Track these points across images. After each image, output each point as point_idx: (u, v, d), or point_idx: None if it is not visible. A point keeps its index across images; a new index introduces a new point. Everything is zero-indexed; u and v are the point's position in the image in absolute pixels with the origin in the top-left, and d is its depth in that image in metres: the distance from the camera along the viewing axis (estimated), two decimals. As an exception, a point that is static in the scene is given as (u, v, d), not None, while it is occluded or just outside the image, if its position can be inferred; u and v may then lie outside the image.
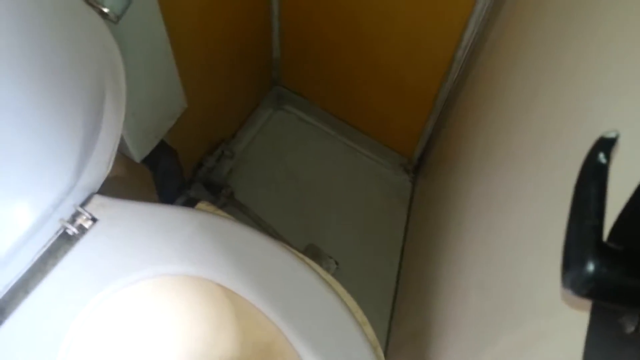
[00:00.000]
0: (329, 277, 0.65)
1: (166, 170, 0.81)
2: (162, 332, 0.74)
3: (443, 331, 0.65)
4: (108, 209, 0.67)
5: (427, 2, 0.85)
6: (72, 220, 0.65)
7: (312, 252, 1.16)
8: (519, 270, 0.44)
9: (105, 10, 0.51)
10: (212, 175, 1.20)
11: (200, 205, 0.71)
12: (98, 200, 0.67)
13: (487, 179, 0.62)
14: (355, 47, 1.04)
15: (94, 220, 0.66)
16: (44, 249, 0.64)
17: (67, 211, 0.65)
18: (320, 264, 0.97)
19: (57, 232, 0.65)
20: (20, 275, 0.63)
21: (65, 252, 0.65)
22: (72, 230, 0.65)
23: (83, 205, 0.66)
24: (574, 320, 0.31)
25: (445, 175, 0.92)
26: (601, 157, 0.23)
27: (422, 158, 1.21)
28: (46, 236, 0.64)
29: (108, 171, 0.63)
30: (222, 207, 1.20)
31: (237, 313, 0.69)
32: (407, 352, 0.86)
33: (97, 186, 0.66)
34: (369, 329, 0.62)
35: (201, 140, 1.12)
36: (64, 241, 0.66)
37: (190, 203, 0.87)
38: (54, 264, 0.64)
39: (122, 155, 0.75)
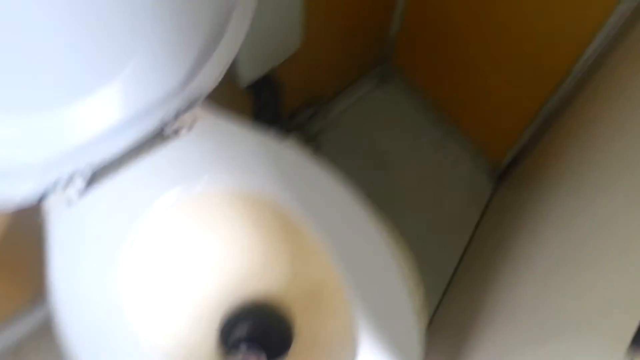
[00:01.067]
0: (397, 237, 0.66)
1: (267, 103, 0.84)
2: (215, 252, 0.78)
3: (485, 329, 0.64)
4: (205, 121, 0.70)
5: (560, 8, 0.83)
6: (171, 122, 0.70)
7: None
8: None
9: None
10: (302, 129, 1.23)
11: (289, 141, 0.73)
12: (198, 111, 0.71)
13: (579, 202, 0.60)
14: (479, 36, 1.02)
15: (189, 128, 0.70)
16: (139, 139, 0.69)
17: (169, 112, 0.69)
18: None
19: (155, 128, 0.70)
20: (112, 154, 0.68)
21: (155, 149, 0.69)
22: (168, 131, 0.70)
23: (184, 111, 0.70)
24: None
25: (532, 189, 0.90)
26: None
27: (509, 167, 1.17)
28: (144, 128, 0.69)
29: (216, 84, 0.66)
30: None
31: (294, 249, 0.72)
32: (446, 337, 0.85)
33: (201, 97, 0.70)
34: (419, 294, 0.63)
35: (302, 89, 1.15)
36: (158, 139, 0.71)
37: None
38: (142, 157, 0.68)
39: (227, 78, 0.78)
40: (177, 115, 0.70)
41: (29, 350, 1.02)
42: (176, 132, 0.70)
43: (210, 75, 0.66)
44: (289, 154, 0.69)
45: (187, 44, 0.63)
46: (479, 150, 1.24)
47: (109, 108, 0.64)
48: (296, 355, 0.78)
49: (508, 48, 0.97)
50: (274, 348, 1.00)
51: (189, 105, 0.70)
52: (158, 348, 0.67)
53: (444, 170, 1.29)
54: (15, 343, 1.02)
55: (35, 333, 1.03)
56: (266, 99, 0.84)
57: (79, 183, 0.66)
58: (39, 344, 1.03)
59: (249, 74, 0.75)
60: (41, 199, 0.65)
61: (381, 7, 1.11)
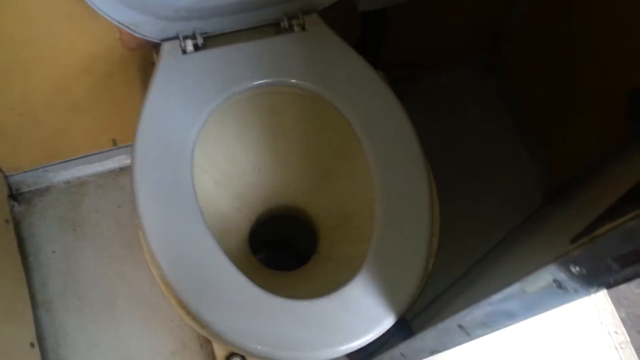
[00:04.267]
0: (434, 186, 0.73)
1: (372, 39, 0.91)
2: (269, 150, 0.87)
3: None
4: (318, 28, 0.78)
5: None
6: (289, 18, 0.78)
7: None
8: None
9: None
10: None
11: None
12: (315, 18, 0.79)
13: None
14: (591, 55, 1.03)
15: (303, 28, 0.78)
16: (256, 22, 0.78)
17: (291, 9, 0.78)
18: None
19: (274, 18, 0.78)
20: (231, 27, 0.77)
21: (267, 37, 0.78)
22: (284, 24, 0.78)
23: (304, 12, 0.78)
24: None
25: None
26: None
27: (566, 187, 1.20)
28: (266, 15, 0.78)
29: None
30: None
31: (344, 171, 0.80)
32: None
33: (322, 5, 0.78)
34: (435, 241, 0.70)
35: (408, 45, 1.18)
36: (272, 29, 0.79)
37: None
38: (254, 39, 0.78)
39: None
40: (297, 14, 0.78)
41: (93, 188, 1.16)
42: (288, 29, 0.79)
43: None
44: (378, 83, 0.76)
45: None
46: (545, 160, 1.27)
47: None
48: (310, 267, 0.87)
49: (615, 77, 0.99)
50: (292, 256, 1.10)
51: (310, 9, 0.78)
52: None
53: (504, 168, 1.32)
54: (81, 178, 1.16)
55: (103, 174, 1.17)
56: (373, 34, 0.91)
57: (198, 40, 0.76)
58: (103, 185, 1.17)
59: (369, 2, 0.82)
60: (164, 40, 0.75)
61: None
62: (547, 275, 0.37)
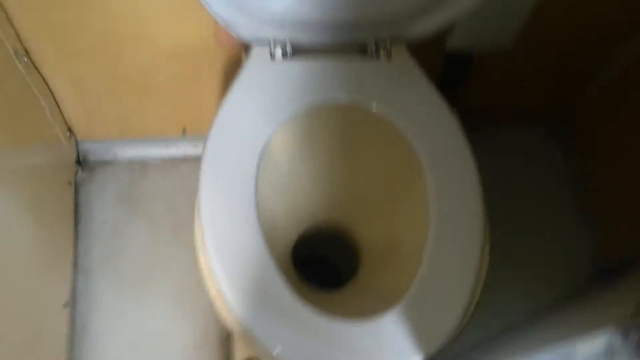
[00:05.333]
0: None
1: (451, 80, 0.92)
2: (324, 169, 0.88)
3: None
4: (403, 58, 0.80)
5: None
6: (377, 43, 0.80)
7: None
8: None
9: None
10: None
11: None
12: (403, 48, 0.80)
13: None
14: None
15: (389, 56, 0.80)
16: (346, 43, 0.80)
17: (381, 36, 0.79)
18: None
19: (363, 41, 0.80)
20: (320, 43, 0.80)
21: (353, 58, 0.80)
22: (371, 49, 0.80)
23: (393, 40, 0.79)
24: None
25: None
26: None
27: (620, 267, 1.16)
28: (356, 37, 0.79)
29: (433, 31, 0.75)
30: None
31: (402, 200, 0.80)
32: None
33: (412, 39, 0.79)
34: (478, 291, 0.69)
35: (485, 93, 1.19)
36: (359, 51, 0.81)
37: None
38: (340, 58, 0.79)
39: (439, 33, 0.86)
40: (385, 40, 0.79)
41: (154, 170, 1.20)
42: (374, 54, 0.80)
43: (433, 22, 0.75)
44: (452, 123, 0.77)
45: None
46: (600, 232, 1.23)
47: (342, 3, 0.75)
48: (348, 290, 0.87)
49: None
50: (327, 271, 1.10)
51: (399, 39, 0.79)
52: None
53: (556, 234, 1.29)
54: (145, 159, 1.20)
55: (166, 160, 1.21)
56: (455, 73, 0.92)
57: (287, 48, 0.78)
58: (164, 170, 1.21)
59: (456, 40, 0.83)
60: (254, 43, 0.78)
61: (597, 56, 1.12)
62: (602, 340, 0.36)
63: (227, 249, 0.67)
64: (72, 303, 1.05)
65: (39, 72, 0.93)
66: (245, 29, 0.76)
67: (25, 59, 0.88)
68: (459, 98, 1.10)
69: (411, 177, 0.77)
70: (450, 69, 0.93)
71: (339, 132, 0.85)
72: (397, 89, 0.78)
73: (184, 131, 1.14)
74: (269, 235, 0.74)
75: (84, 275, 1.09)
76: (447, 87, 0.94)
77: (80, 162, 1.18)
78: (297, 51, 0.79)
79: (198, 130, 1.13)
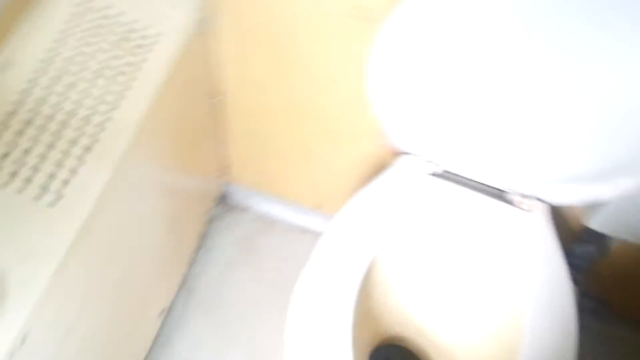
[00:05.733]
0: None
1: (585, 255, 0.91)
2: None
3: None
4: (541, 217, 0.80)
5: None
6: (523, 195, 0.82)
7: None
8: None
9: None
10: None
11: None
12: (545, 207, 0.81)
13: None
14: None
15: (527, 210, 0.81)
16: (494, 183, 0.83)
17: (527, 191, 0.81)
18: None
19: (511, 188, 0.82)
20: (469, 176, 0.84)
21: (492, 198, 0.83)
22: (511, 197, 0.82)
23: (540, 197, 0.81)
24: None
25: None
26: None
27: None
28: (503, 183, 0.82)
29: (583, 202, 0.77)
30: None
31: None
32: None
33: (555, 200, 0.80)
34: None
35: (615, 285, 1.12)
36: (500, 194, 0.83)
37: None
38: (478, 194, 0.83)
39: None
40: (530, 196, 0.81)
41: (279, 232, 1.29)
42: (514, 203, 0.82)
43: (591, 193, 0.75)
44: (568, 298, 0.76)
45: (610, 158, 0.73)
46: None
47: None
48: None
49: None
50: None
51: (544, 197, 0.80)
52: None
53: None
54: (275, 218, 1.29)
55: (294, 226, 1.29)
56: (586, 252, 0.90)
57: (437, 169, 0.84)
58: (288, 235, 1.29)
59: (601, 222, 0.82)
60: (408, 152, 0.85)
61: None
62: None
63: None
64: (166, 315, 1.14)
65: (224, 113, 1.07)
66: (406, 145, 0.83)
67: (216, 100, 1.03)
68: (586, 276, 1.06)
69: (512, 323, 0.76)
70: (583, 245, 0.91)
71: (459, 258, 0.87)
72: (524, 244, 0.79)
73: (320, 206, 1.21)
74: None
75: (186, 294, 1.18)
76: (575, 262, 0.91)
77: (221, 199, 1.31)
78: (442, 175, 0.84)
79: (333, 211, 1.20)
